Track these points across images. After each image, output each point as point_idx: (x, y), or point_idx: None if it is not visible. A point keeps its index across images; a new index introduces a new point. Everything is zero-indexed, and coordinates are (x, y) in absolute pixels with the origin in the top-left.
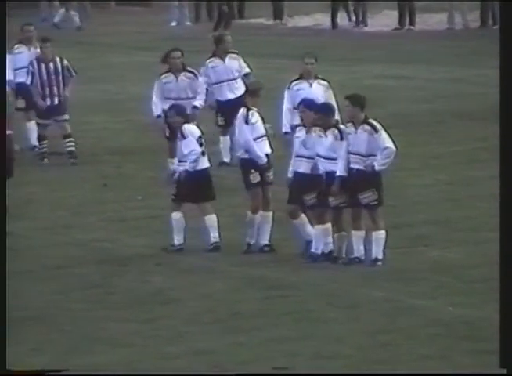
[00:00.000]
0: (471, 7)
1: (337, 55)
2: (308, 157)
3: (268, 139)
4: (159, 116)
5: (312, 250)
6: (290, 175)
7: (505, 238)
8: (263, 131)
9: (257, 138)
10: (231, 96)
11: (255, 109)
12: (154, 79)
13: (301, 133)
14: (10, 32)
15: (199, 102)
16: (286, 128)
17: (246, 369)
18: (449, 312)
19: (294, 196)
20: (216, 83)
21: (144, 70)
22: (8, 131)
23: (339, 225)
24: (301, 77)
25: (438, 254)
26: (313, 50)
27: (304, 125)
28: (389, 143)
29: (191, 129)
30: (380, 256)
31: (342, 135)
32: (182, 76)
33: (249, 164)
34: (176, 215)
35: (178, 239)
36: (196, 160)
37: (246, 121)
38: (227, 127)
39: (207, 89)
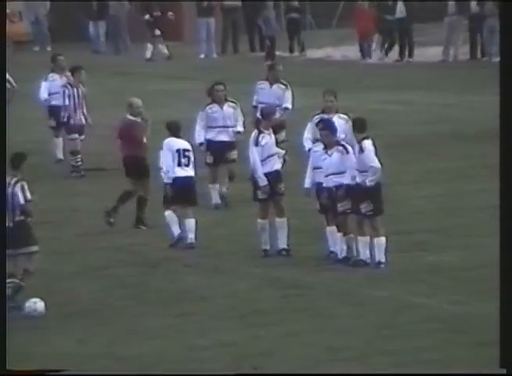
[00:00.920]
0: (462, 41)
1: (344, 83)
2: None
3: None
4: (201, 143)
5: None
6: (307, 185)
7: (505, 241)
8: (273, 151)
9: (268, 157)
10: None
11: (267, 131)
12: (185, 103)
13: (318, 148)
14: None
15: (241, 128)
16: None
17: (266, 359)
18: (445, 309)
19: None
20: (262, 103)
21: (176, 96)
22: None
23: (346, 228)
24: (322, 112)
25: (434, 258)
26: (326, 79)
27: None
28: (374, 162)
29: (168, 142)
30: (383, 259)
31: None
32: (226, 106)
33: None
34: (167, 212)
35: (175, 230)
36: (166, 172)
37: (257, 144)
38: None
39: (255, 107)
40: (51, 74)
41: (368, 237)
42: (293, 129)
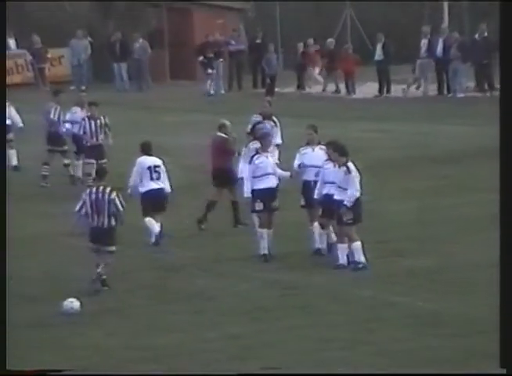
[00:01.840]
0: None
1: (333, 114)
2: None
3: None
4: (241, 178)
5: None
6: (316, 196)
7: (504, 243)
8: (268, 171)
9: (262, 175)
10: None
11: (264, 153)
12: (197, 132)
13: (329, 165)
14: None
15: (279, 140)
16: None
17: (268, 350)
18: (419, 306)
19: (326, 211)
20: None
21: (189, 126)
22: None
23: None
24: (307, 144)
25: (410, 263)
26: (316, 112)
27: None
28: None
29: (140, 161)
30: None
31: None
32: (267, 122)
33: (257, 194)
34: (147, 219)
35: (155, 231)
36: (130, 187)
37: (250, 162)
38: None
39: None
40: (73, 108)
41: (346, 245)
42: (289, 153)
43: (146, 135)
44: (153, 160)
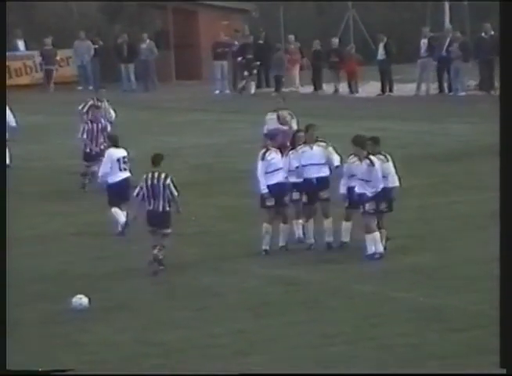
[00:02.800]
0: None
1: (337, 113)
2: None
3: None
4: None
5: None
6: (342, 191)
7: (504, 242)
8: (279, 166)
9: (273, 171)
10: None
11: (274, 149)
12: (202, 131)
13: (353, 159)
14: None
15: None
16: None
17: (272, 344)
18: (421, 301)
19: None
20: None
21: (195, 125)
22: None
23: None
24: (305, 142)
25: (412, 259)
26: (320, 111)
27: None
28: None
29: (110, 152)
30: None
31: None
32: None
33: (268, 189)
34: (113, 209)
35: (121, 220)
36: (101, 177)
37: (263, 158)
38: None
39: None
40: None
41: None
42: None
43: (152, 135)
44: (121, 152)
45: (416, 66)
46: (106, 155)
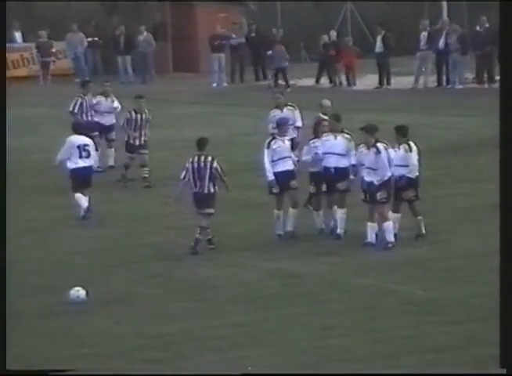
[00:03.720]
0: (431, 72)
1: (335, 106)
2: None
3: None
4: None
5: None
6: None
7: (504, 242)
8: (284, 154)
9: (278, 159)
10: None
11: (280, 138)
12: (200, 123)
13: (362, 148)
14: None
15: (299, 123)
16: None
17: (271, 337)
18: (419, 294)
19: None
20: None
21: (193, 118)
22: None
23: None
24: (331, 130)
25: (409, 252)
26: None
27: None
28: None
29: (70, 139)
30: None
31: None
32: (285, 109)
33: (274, 177)
34: (77, 195)
35: (84, 205)
36: (58, 162)
37: (268, 146)
38: None
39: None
40: (98, 97)
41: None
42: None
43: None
44: (82, 140)
45: (414, 58)
46: (66, 141)
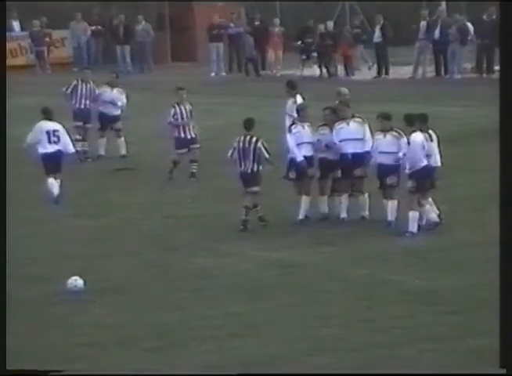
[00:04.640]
0: (429, 62)
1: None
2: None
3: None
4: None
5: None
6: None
7: (505, 242)
8: (305, 139)
9: (298, 144)
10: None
11: (299, 123)
12: (199, 113)
13: (380, 135)
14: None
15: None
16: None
17: (267, 327)
18: (416, 284)
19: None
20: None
21: (193, 107)
22: None
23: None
24: (341, 119)
25: (406, 242)
26: (316, 94)
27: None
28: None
29: (40, 125)
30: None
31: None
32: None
33: (292, 163)
34: (50, 180)
35: (55, 192)
36: (26, 145)
37: (289, 131)
38: None
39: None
40: (104, 87)
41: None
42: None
43: (147, 116)
44: (52, 125)
45: (412, 49)
46: (35, 126)
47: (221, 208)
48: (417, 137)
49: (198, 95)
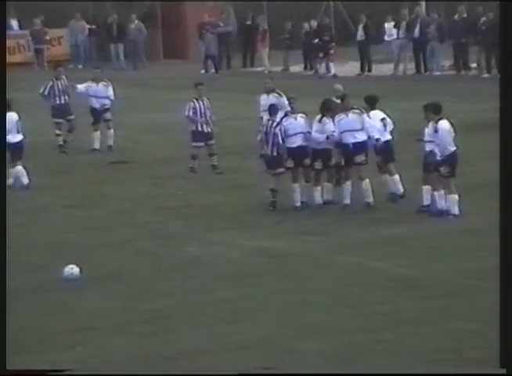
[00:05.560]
0: (409, 59)
1: (317, 92)
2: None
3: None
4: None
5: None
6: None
7: (504, 242)
8: (297, 130)
9: (291, 135)
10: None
11: (292, 115)
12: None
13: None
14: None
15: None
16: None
17: (257, 313)
18: (397, 271)
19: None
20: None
21: (182, 103)
22: None
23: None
24: (342, 110)
25: (388, 231)
26: (298, 90)
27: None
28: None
29: (9, 116)
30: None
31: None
32: (271, 95)
33: (288, 152)
34: (19, 167)
35: (24, 180)
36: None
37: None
38: None
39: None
40: (90, 82)
41: (442, 192)
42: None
43: (140, 112)
44: (16, 116)
45: (390, 46)
46: (7, 117)
47: (211, 199)
48: (444, 123)
49: (189, 91)
